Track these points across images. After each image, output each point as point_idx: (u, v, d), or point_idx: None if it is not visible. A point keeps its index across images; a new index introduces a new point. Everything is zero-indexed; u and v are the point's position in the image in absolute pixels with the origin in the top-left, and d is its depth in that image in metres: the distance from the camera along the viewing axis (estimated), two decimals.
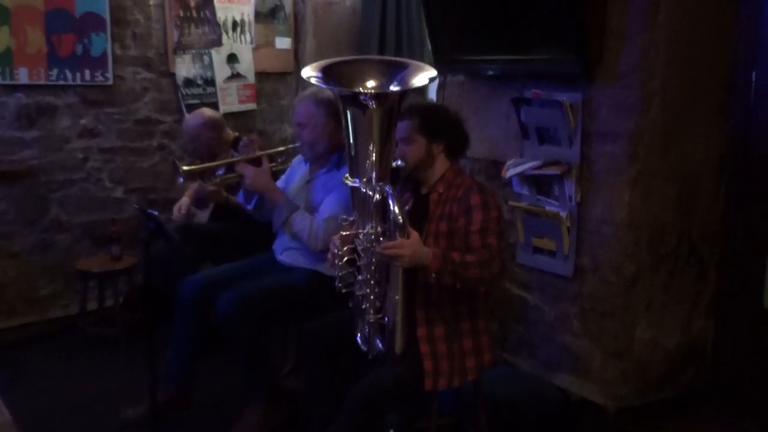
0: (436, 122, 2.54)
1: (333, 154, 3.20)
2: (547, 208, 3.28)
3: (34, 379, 3.68)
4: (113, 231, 4.20)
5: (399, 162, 2.49)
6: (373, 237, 2.23)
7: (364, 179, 2.23)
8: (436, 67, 3.64)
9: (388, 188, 2.19)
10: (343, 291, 2.38)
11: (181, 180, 3.44)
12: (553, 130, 3.21)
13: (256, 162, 3.21)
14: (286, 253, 3.25)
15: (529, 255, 3.45)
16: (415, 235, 2.20)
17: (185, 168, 3.40)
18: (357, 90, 2.19)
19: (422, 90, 4.26)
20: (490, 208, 2.40)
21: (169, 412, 3.17)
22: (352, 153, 2.27)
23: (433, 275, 2.23)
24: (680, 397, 3.23)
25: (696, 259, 3.18)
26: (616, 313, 3.09)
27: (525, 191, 3.41)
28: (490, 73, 3.49)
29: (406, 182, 2.64)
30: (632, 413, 3.11)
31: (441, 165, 2.56)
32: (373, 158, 2.22)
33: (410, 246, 2.16)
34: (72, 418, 3.26)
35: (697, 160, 3.11)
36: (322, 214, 3.06)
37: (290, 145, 3.49)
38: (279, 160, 3.55)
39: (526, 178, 3.37)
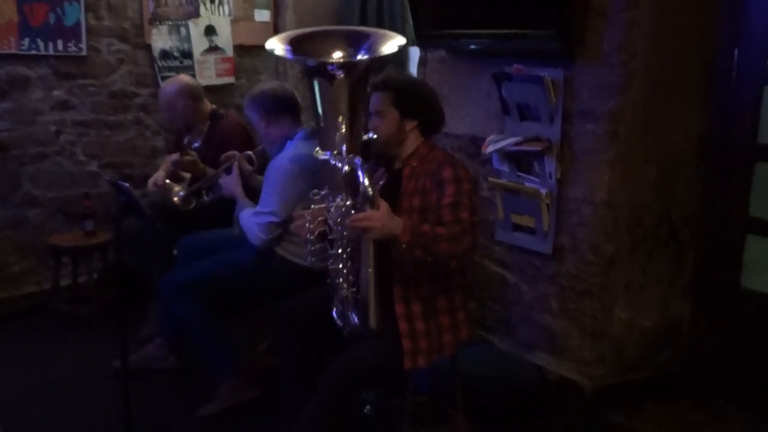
0: (411, 98, 2.51)
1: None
2: (527, 185, 3.29)
3: (5, 356, 3.66)
4: (87, 206, 4.15)
5: (370, 134, 2.47)
6: (343, 210, 2.24)
7: (334, 152, 2.22)
8: (417, 42, 3.71)
9: (357, 160, 2.18)
10: (317, 266, 2.39)
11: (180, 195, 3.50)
12: (534, 107, 3.21)
13: (228, 170, 3.33)
14: None
15: (508, 232, 3.46)
16: (384, 206, 2.19)
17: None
18: (323, 60, 2.18)
19: (402, 65, 4.26)
20: (462, 182, 2.39)
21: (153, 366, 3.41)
22: (321, 125, 2.27)
23: (404, 246, 2.22)
24: (657, 377, 3.27)
25: (675, 241, 3.21)
26: (594, 293, 3.11)
27: (505, 168, 3.42)
28: (472, 47, 3.47)
29: (379, 157, 2.63)
30: (609, 393, 3.15)
31: (413, 141, 2.54)
32: (343, 130, 2.22)
33: (380, 217, 2.16)
34: (42, 396, 3.25)
35: (678, 140, 3.12)
36: (256, 209, 3.10)
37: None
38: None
39: (506, 155, 3.38)
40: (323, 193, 2.33)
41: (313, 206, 2.38)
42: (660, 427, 3.02)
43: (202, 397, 3.14)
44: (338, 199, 2.25)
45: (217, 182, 3.42)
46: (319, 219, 2.36)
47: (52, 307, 4.13)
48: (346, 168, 2.19)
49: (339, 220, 2.26)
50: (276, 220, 2.98)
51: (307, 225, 2.37)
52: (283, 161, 3.03)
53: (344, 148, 2.22)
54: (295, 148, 3.07)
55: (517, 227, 3.42)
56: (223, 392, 3.11)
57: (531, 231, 3.33)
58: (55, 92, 4.30)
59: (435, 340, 2.44)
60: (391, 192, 2.44)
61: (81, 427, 2.98)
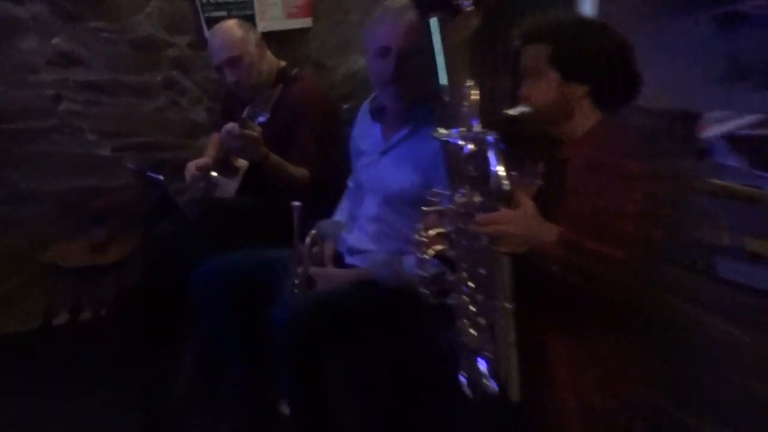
0: (578, 51, 2.32)
1: (417, 106, 3.00)
2: None
3: None
4: (96, 207, 4.09)
5: (521, 108, 2.33)
6: (464, 210, 2.11)
7: (461, 128, 2.09)
8: None
9: (490, 136, 2.01)
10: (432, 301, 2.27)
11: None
12: None
13: None
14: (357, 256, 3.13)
15: (738, 264, 3.13)
16: (527, 203, 2.06)
17: None
18: None
19: (573, 4, 3.99)
20: (659, 182, 2.21)
21: None
22: (443, 91, 2.16)
23: (555, 268, 2.06)
24: None
25: None
26: None
27: (733, 163, 3.11)
28: None
29: (534, 142, 2.47)
30: None
31: (585, 116, 2.36)
32: (472, 94, 2.10)
33: (520, 219, 2.03)
34: None
35: None
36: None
37: None
38: None
39: (737, 141, 3.10)
40: (443, 192, 2.24)
41: (424, 208, 2.28)
42: None
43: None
44: (458, 195, 2.12)
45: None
46: (438, 231, 2.25)
47: (47, 347, 4.02)
48: (471, 147, 2.04)
49: (461, 226, 2.13)
50: None
51: (419, 239, 2.27)
52: None
53: (476, 121, 2.07)
54: None
55: (756, 256, 3.06)
56: None
57: None
58: (55, 40, 4.13)
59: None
60: (552, 193, 2.33)
61: None
